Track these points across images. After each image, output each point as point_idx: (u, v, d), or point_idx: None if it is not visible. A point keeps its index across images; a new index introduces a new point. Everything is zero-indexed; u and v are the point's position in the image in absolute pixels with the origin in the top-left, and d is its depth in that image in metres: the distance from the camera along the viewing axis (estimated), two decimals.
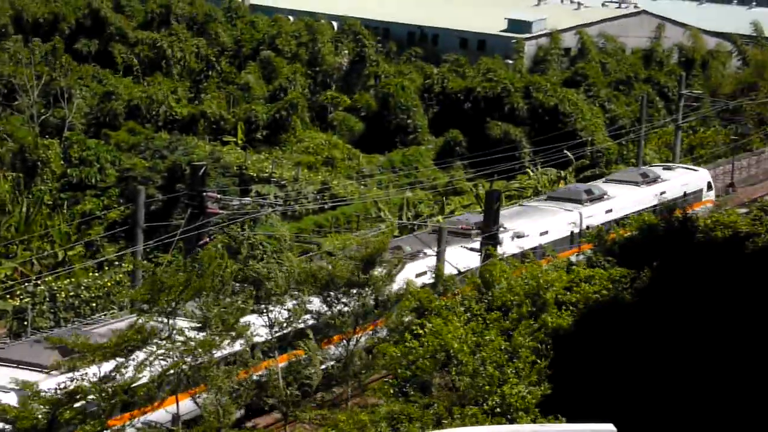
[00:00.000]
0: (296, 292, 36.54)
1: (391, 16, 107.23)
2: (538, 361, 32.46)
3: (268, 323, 36.36)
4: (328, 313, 37.48)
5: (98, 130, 74.97)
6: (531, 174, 71.68)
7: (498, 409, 30.86)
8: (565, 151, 71.83)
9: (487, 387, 31.04)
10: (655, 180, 62.94)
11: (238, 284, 35.62)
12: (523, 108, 79.90)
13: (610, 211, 57.88)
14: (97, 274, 48.41)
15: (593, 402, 31.91)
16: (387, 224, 57.71)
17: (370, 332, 38.69)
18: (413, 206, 64.20)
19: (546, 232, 53.02)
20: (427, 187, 66.84)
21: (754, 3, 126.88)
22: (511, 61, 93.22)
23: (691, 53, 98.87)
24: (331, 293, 37.27)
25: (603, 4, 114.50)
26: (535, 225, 53.05)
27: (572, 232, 53.33)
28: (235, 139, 76.02)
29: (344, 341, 37.85)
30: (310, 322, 37.36)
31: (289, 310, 36.33)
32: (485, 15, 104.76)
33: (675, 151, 74.14)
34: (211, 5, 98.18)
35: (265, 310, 36.11)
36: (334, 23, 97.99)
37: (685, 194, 62.72)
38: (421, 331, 33.68)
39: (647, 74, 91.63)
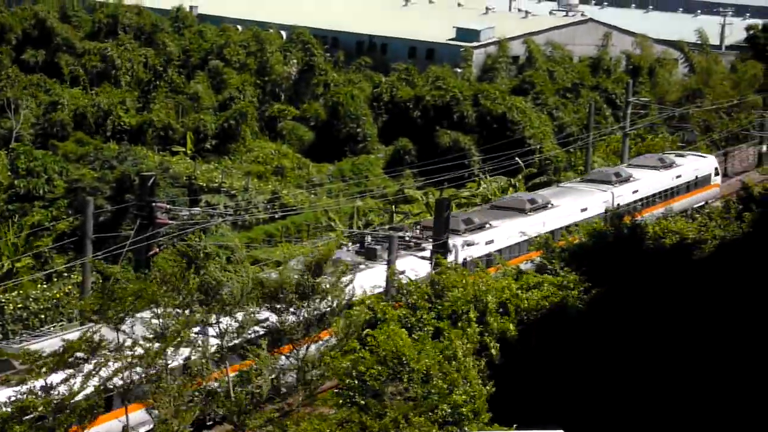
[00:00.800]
0: (246, 303, 36.43)
1: (339, 26, 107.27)
2: (482, 363, 32.68)
3: (219, 333, 36.25)
4: (277, 322, 37.40)
5: (46, 141, 74.48)
6: (481, 182, 71.93)
7: (449, 418, 30.98)
8: (516, 159, 72.19)
9: (436, 398, 31.16)
10: (672, 165, 68.14)
11: (197, 294, 35.49)
12: (472, 116, 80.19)
13: (636, 191, 63.91)
14: (45, 286, 48.04)
15: (541, 405, 32.12)
16: (336, 233, 57.76)
17: (321, 341, 38.65)
18: (363, 215, 64.25)
19: (585, 209, 59.22)
20: (377, 196, 66.90)
21: (699, 11, 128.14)
22: (459, 70, 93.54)
23: (638, 61, 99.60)
24: (280, 302, 37.18)
25: (551, 13, 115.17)
26: (576, 203, 59.91)
27: (606, 209, 57.85)
28: (184, 149, 75.77)
29: (294, 350, 37.78)
30: (261, 332, 37.28)
31: (238, 321, 36.22)
32: (434, 24, 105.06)
33: (623, 158, 74.59)
34: (159, 16, 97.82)
35: (216, 321, 35.99)
36: (283, 32, 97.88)
37: (696, 178, 68.92)
38: (374, 343, 33.73)
39: (595, 82, 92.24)
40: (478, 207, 62.04)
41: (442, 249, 45.85)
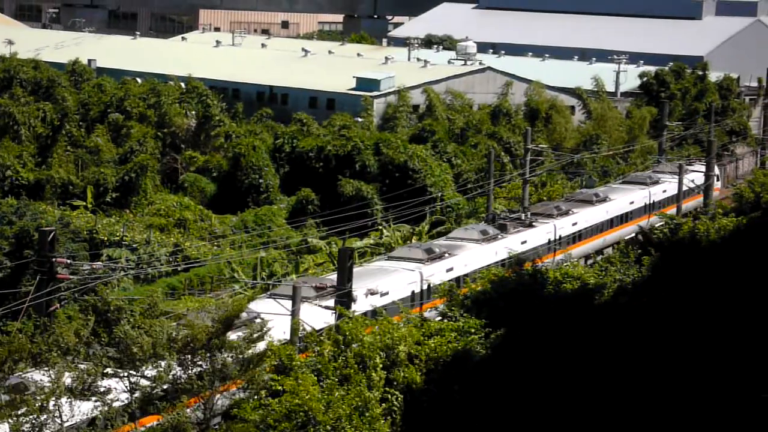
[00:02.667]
0: (156, 358, 36.23)
1: (240, 77, 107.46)
2: (389, 416, 32.74)
3: (129, 387, 35.97)
4: (184, 376, 37.19)
5: None
6: (384, 231, 72.30)
7: None
8: (426, 208, 72.89)
9: None
10: (687, 172, 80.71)
11: (99, 347, 35.21)
12: (374, 165, 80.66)
13: (665, 191, 79.99)
14: None
15: None
16: (241, 284, 57.59)
17: (229, 393, 38.50)
18: (267, 266, 64.17)
19: (632, 202, 75.66)
20: (281, 246, 66.88)
21: (594, 59, 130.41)
22: (360, 119, 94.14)
23: (536, 108, 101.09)
24: (188, 356, 37.01)
25: (449, 62, 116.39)
26: (623, 199, 75.53)
27: (645, 204, 74.25)
28: (84, 203, 75.14)
29: (201, 403, 37.58)
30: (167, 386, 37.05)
31: (146, 377, 36.00)
32: (334, 74, 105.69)
33: (523, 204, 75.51)
34: (55, 70, 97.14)
35: (126, 375, 35.75)
36: (183, 84, 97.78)
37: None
38: (279, 388, 33.67)
39: (493, 130, 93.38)
40: (380, 256, 62.39)
41: (345, 298, 45.90)
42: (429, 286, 55.16)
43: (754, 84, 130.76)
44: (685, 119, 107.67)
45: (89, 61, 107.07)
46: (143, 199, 76.86)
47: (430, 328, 38.87)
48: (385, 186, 78.85)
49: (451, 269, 58.14)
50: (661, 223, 55.88)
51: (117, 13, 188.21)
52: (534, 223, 67.82)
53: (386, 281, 53.47)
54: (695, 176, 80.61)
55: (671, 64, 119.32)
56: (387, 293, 52.20)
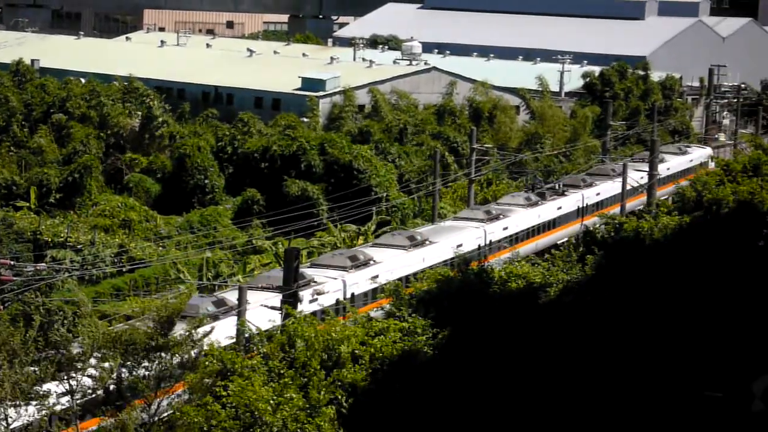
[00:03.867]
0: (98, 359, 36.04)
1: (185, 77, 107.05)
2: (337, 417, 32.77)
3: (68, 390, 35.76)
4: (129, 377, 37.05)
5: None
6: (332, 230, 72.30)
7: None
8: (372, 209, 73.03)
9: None
10: (686, 152, 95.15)
11: (37, 351, 34.97)
12: (320, 165, 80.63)
13: (669, 168, 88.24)
14: None
15: None
16: (186, 286, 57.40)
17: (173, 395, 38.39)
18: (213, 266, 63.99)
19: (642, 177, 77.16)
20: (227, 247, 66.73)
21: (538, 59, 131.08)
22: (306, 120, 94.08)
23: (481, 108, 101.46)
24: (131, 357, 36.86)
25: (395, 62, 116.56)
26: (636, 175, 78.84)
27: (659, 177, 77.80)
28: (28, 204, 74.59)
29: (145, 405, 37.46)
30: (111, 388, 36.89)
31: (91, 377, 35.81)
32: (279, 74, 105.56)
33: (469, 204, 75.84)
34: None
35: (66, 377, 35.52)
36: (126, 84, 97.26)
37: (701, 163, 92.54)
38: (224, 393, 33.58)
39: (439, 129, 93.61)
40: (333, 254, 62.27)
41: (291, 299, 45.89)
42: (490, 241, 66.27)
43: (696, 84, 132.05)
44: (628, 119, 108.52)
45: (32, 61, 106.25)
46: (87, 199, 76.44)
47: (373, 328, 38.90)
48: (330, 186, 78.85)
49: (506, 228, 68.81)
50: (603, 223, 56.27)
51: (60, 13, 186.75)
52: (566, 192, 77.56)
53: (460, 235, 64.45)
54: (695, 155, 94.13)
55: (614, 64, 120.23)
56: (461, 245, 62.13)
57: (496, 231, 67.76)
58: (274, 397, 33.13)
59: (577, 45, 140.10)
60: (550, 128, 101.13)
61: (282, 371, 36.10)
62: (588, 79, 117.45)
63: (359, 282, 55.00)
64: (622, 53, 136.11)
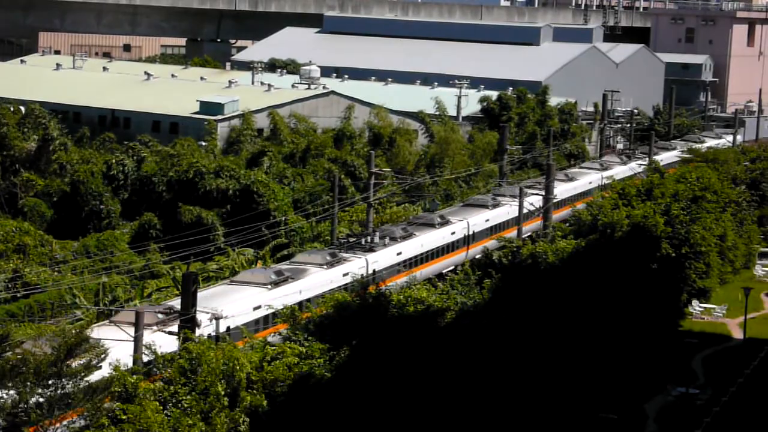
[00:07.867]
0: None
1: (81, 100, 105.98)
2: None
3: None
4: (21, 405, 36.47)
5: None
6: (230, 254, 72.04)
7: None
8: (267, 233, 72.80)
9: None
10: (668, 149, 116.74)
11: None
12: (216, 189, 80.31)
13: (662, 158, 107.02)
14: None
15: None
16: (83, 311, 56.79)
17: (68, 422, 37.89)
18: (110, 291, 63.38)
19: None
20: (124, 272, 66.15)
21: (436, 83, 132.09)
22: (204, 143, 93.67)
23: (379, 131, 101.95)
24: (27, 384, 36.30)
25: (293, 86, 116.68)
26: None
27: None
28: None
29: None
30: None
31: None
32: (177, 98, 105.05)
33: (368, 227, 76.05)
34: None
35: None
36: (23, 108, 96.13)
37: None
38: (123, 417, 33.28)
39: (337, 153, 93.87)
40: (224, 280, 62.18)
41: (189, 324, 45.66)
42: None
43: (591, 109, 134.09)
44: (525, 143, 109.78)
45: None
46: None
47: (269, 353, 38.88)
48: (228, 210, 78.57)
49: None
50: (500, 246, 56.85)
51: None
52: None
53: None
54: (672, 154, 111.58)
55: (511, 89, 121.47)
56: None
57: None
58: (173, 424, 32.93)
59: (474, 70, 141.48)
60: (449, 153, 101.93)
61: (181, 398, 35.92)
62: (486, 104, 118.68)
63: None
64: (519, 78, 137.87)
